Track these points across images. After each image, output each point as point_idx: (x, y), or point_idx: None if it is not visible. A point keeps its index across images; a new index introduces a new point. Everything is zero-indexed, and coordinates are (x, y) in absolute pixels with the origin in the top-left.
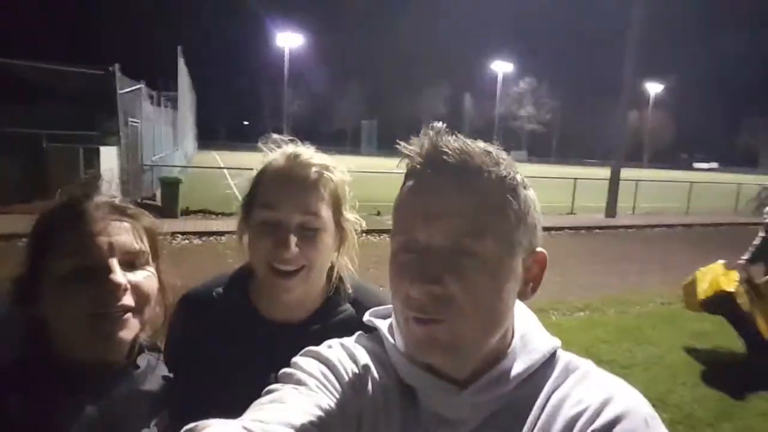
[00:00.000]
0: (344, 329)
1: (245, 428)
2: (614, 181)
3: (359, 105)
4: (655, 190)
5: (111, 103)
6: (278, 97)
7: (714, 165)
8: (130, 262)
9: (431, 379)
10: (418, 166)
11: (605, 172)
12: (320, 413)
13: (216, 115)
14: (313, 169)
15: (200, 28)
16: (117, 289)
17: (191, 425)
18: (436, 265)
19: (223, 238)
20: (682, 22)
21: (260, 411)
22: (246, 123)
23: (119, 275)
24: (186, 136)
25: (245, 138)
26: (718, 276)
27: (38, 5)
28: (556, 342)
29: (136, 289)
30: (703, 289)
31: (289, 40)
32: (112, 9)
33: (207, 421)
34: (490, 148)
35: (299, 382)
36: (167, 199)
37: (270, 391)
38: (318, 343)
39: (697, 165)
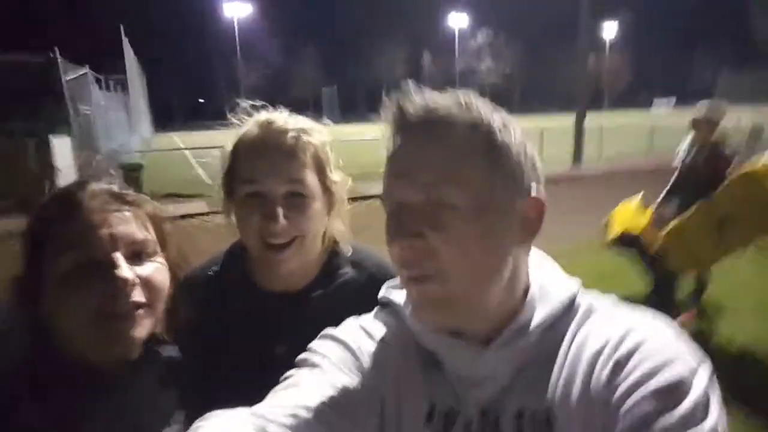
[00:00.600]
0: (347, 292)
1: (253, 414)
2: (579, 129)
3: (317, 71)
4: (618, 134)
5: (56, 91)
6: (232, 70)
7: (672, 100)
8: (137, 254)
9: (452, 341)
10: (389, 130)
11: (568, 120)
12: (336, 394)
13: (170, 95)
14: (290, 134)
15: (141, 2)
16: (125, 285)
17: (199, 420)
18: (414, 220)
19: (194, 220)
20: None
21: (274, 397)
22: (201, 101)
23: (125, 269)
24: (140, 120)
25: (202, 116)
26: (629, 215)
27: None
28: (573, 287)
29: (147, 283)
30: (614, 229)
31: (236, 9)
32: None
33: (215, 411)
34: (463, 96)
35: (314, 365)
36: (130, 186)
37: (286, 378)
38: (322, 309)
39: (656, 102)
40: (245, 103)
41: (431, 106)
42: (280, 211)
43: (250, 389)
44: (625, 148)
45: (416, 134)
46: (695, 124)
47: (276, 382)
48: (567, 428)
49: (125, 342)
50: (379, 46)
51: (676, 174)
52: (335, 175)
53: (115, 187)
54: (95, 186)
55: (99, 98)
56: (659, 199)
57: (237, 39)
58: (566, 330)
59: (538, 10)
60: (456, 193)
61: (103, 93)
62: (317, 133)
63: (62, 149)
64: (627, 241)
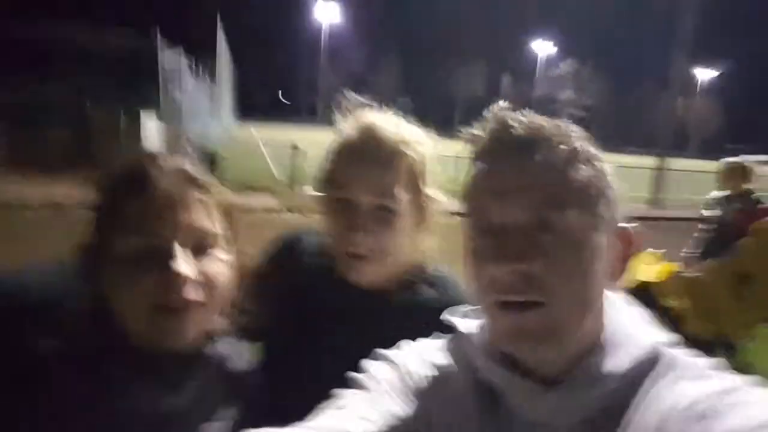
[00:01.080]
0: (421, 311)
1: None
2: (660, 170)
3: (394, 82)
4: (701, 182)
5: (151, 70)
6: (313, 71)
7: (764, 157)
8: (201, 246)
9: (515, 378)
10: (486, 147)
11: (647, 161)
12: (380, 419)
13: (253, 88)
14: (389, 145)
15: None
16: (179, 279)
17: None
18: (517, 243)
19: (262, 214)
20: (741, 5)
21: (318, 417)
22: (283, 97)
23: (183, 263)
24: (223, 108)
25: (282, 111)
26: (641, 266)
27: None
28: (660, 336)
29: (206, 279)
30: (632, 278)
31: (327, 11)
32: None
33: (260, 429)
34: (559, 121)
35: (363, 387)
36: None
37: (334, 396)
38: (390, 323)
39: (745, 156)
40: (352, 96)
41: (537, 124)
42: (364, 223)
43: (317, 382)
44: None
45: (522, 152)
46: (727, 172)
47: (321, 385)
48: None
49: (175, 337)
50: (458, 63)
51: (705, 225)
52: (431, 192)
53: (188, 167)
54: (168, 163)
55: (188, 82)
56: (688, 251)
57: (322, 43)
58: (643, 381)
59: (628, 46)
60: (563, 216)
61: (192, 78)
62: (419, 145)
63: (150, 126)
64: (641, 292)
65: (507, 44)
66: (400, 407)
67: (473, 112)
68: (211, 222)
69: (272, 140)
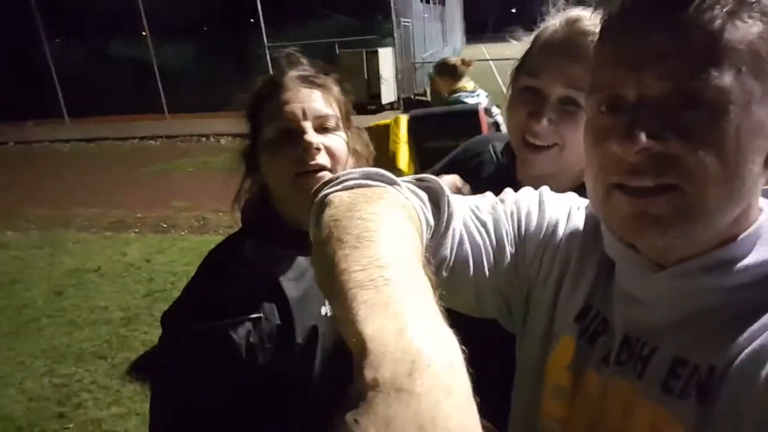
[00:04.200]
0: None
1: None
2: None
3: None
4: None
5: (386, 6)
6: None
7: None
8: (323, 127)
9: (628, 252)
10: (621, 5)
11: None
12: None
13: (483, 7)
14: (590, 38)
15: None
16: (310, 147)
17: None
18: (654, 118)
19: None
20: None
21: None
22: (513, 11)
23: (312, 135)
24: (454, 32)
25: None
26: None
27: None
28: None
29: (329, 150)
30: None
31: None
32: None
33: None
34: None
35: (502, 202)
36: (435, 95)
37: (491, 201)
38: None
39: None
40: (561, 2)
41: None
42: (547, 112)
43: None
44: None
45: (663, 12)
46: None
47: None
48: (732, 404)
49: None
50: None
51: None
52: None
53: (307, 72)
54: (293, 72)
55: (420, 11)
56: None
57: None
58: None
59: None
60: (714, 85)
61: (423, 5)
62: None
63: (386, 59)
64: None
65: None
66: (530, 230)
67: None
68: (328, 109)
69: (504, 56)
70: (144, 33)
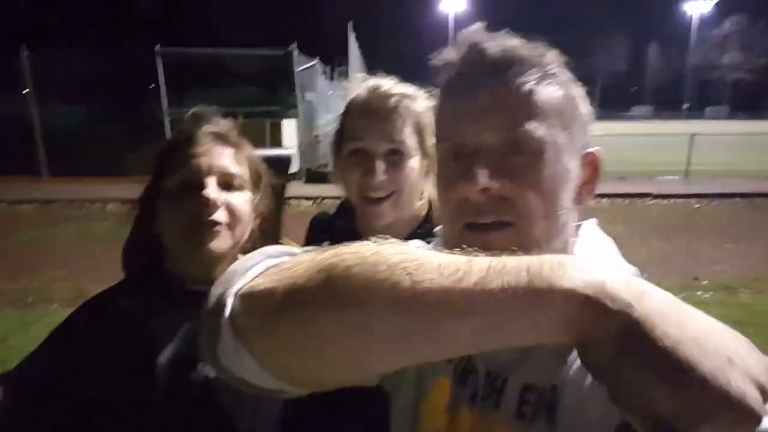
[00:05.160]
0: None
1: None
2: None
3: None
4: None
5: (290, 80)
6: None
7: None
8: (228, 184)
9: None
10: (459, 69)
11: None
12: None
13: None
14: (393, 98)
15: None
16: (209, 203)
17: None
18: (490, 164)
19: None
20: None
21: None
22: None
23: (213, 191)
24: None
25: None
26: None
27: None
28: (627, 266)
29: (229, 208)
30: None
31: (452, 5)
32: None
33: None
34: (535, 43)
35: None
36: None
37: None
38: None
39: None
40: (360, 74)
41: (510, 45)
42: (379, 165)
43: None
44: None
45: (495, 72)
46: None
47: None
48: (572, 416)
49: (206, 252)
50: (598, 37)
51: None
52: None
53: (221, 129)
54: (208, 127)
55: (324, 86)
56: None
57: (449, 34)
58: None
59: None
60: (535, 137)
61: (327, 82)
62: (420, 100)
63: (289, 130)
64: None
65: (653, 9)
66: None
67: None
68: (237, 168)
69: None
70: (25, 91)
